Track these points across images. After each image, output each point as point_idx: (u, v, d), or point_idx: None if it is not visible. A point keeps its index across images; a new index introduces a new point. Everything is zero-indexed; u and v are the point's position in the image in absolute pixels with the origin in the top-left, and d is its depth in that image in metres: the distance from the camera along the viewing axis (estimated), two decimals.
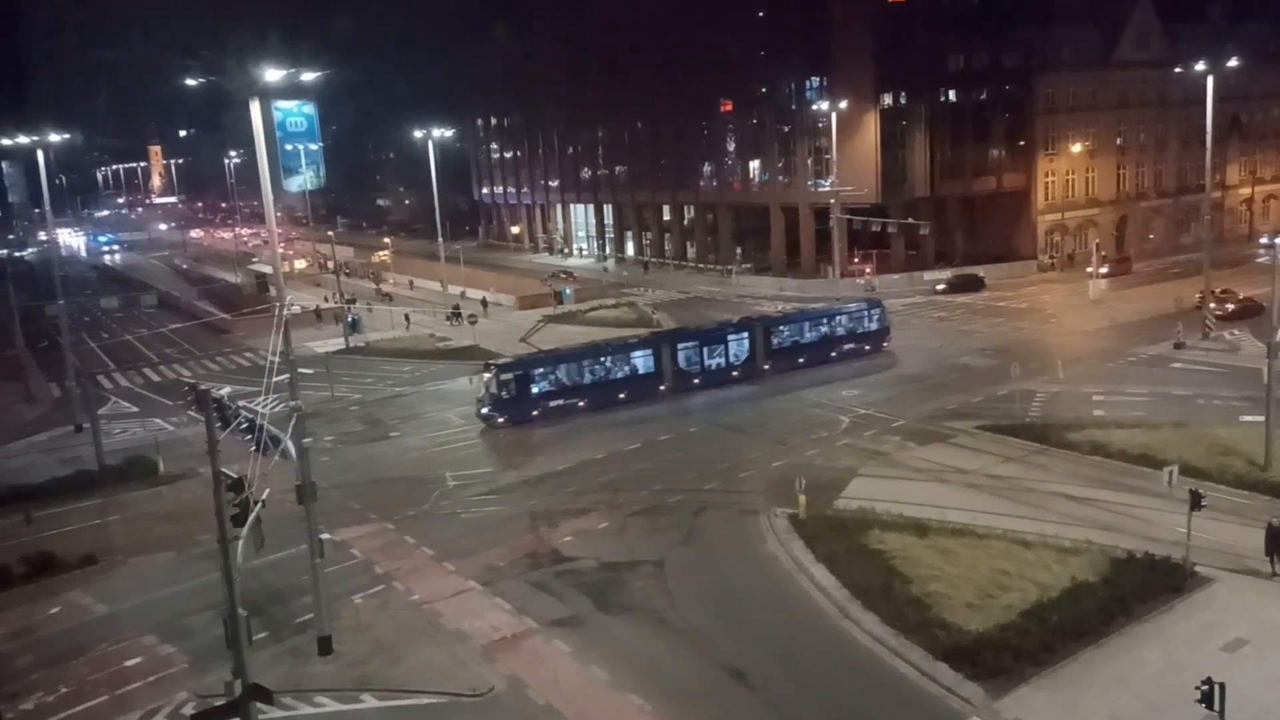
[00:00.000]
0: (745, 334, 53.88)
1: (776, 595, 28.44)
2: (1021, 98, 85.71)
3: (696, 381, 51.85)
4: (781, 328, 55.46)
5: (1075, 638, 24.18)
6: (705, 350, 52.57)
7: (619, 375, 50.34)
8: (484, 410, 47.84)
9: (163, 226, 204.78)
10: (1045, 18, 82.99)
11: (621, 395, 49.88)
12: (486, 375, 48.30)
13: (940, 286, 78.91)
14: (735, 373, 52.89)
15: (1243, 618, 25.05)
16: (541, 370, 49.18)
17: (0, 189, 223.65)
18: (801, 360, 54.56)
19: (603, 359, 50.49)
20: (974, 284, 78.72)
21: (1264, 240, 57.66)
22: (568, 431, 46.40)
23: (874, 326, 57.78)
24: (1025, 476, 36.34)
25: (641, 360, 50.97)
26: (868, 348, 57.16)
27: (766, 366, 53.69)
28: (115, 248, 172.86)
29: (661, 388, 50.95)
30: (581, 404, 48.98)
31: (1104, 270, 76.45)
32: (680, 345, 52.13)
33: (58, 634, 28.95)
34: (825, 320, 56.90)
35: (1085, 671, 23.16)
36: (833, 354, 55.80)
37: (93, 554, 33.77)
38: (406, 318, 75.58)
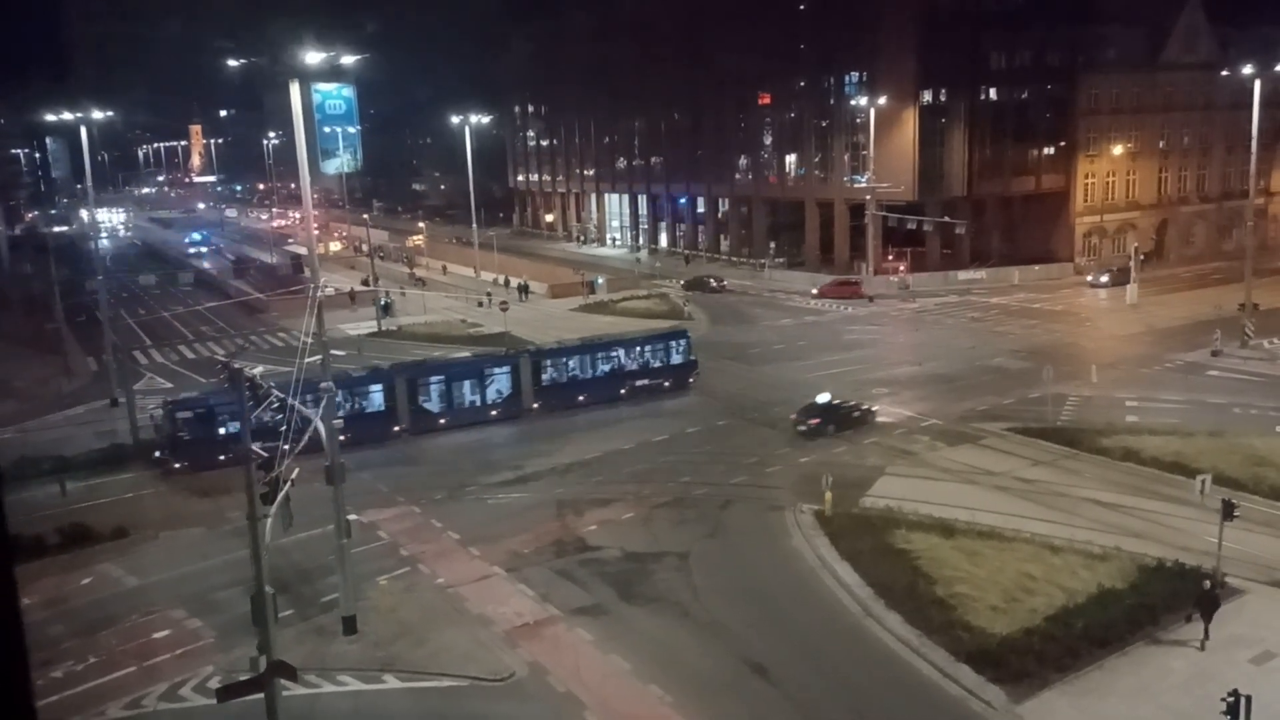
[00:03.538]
0: (507, 368, 47.65)
1: (800, 591, 28.40)
2: (1064, 98, 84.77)
3: (442, 422, 45.61)
4: (557, 360, 49.08)
5: (1101, 644, 23.97)
6: (455, 386, 46.39)
7: (341, 413, 42.93)
8: (156, 454, 41.68)
9: (201, 206, 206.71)
10: (1091, 17, 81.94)
11: (342, 438, 43.39)
12: (160, 411, 42.62)
13: (681, 283, 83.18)
14: (494, 412, 46.84)
15: (1273, 630, 24.75)
16: (237, 406, 43.81)
17: (44, 165, 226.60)
18: (582, 398, 48.46)
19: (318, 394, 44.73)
20: (709, 284, 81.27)
21: None
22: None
23: (678, 360, 50.84)
24: (1055, 481, 36.02)
25: (373, 396, 44.48)
26: (668, 384, 50.29)
27: (535, 405, 47.50)
28: (205, 248, 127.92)
29: (396, 429, 44.51)
30: (287, 446, 42.75)
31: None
32: (422, 380, 45.91)
33: (89, 604, 29.41)
34: (614, 352, 50.33)
35: (1109, 679, 22.95)
36: (623, 391, 49.30)
37: (124, 527, 34.28)
38: (489, 295, 75.89)
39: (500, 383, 47.30)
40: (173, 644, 26.66)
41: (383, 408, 44.54)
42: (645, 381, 50.05)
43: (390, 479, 39.35)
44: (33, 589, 29.51)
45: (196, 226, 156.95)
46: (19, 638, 2.94)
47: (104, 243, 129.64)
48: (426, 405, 45.75)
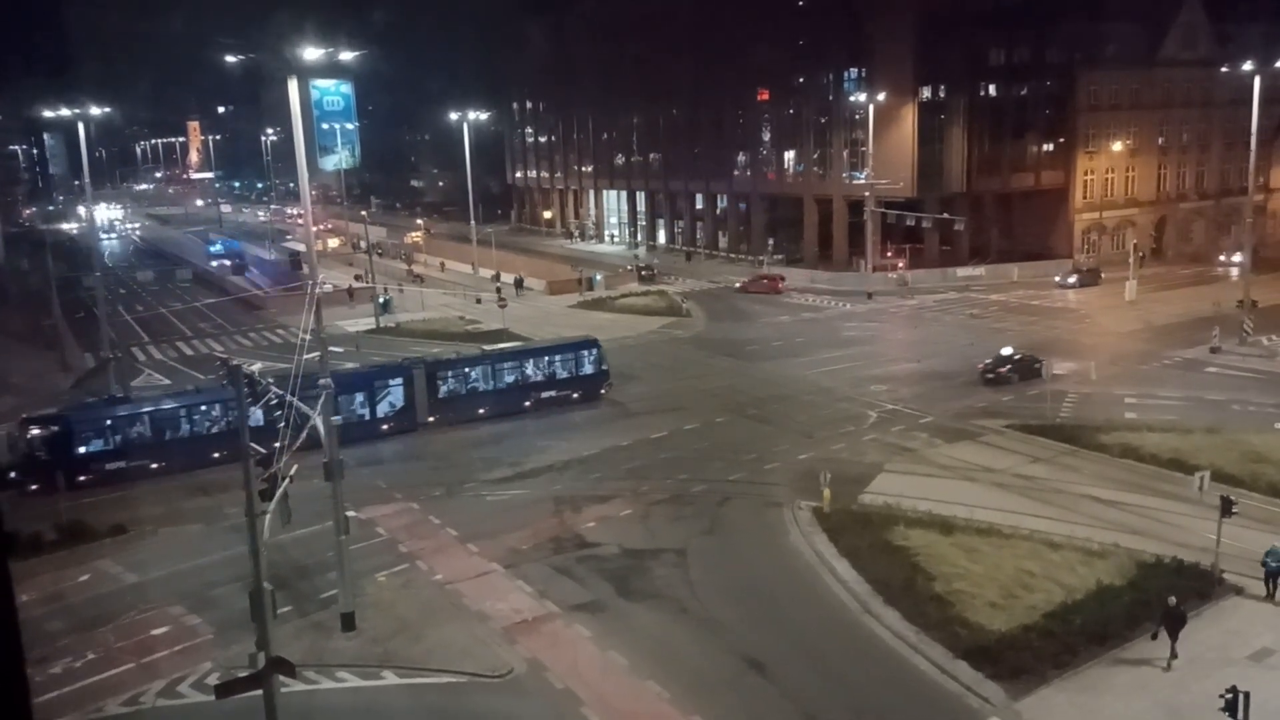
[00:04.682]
0: (399, 380, 45.26)
1: (798, 588, 28.40)
2: (1063, 94, 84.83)
3: None
4: (458, 371, 47.03)
5: (1099, 641, 23.99)
6: (343, 399, 41.61)
7: (215, 430, 40.60)
8: (12, 475, 38.45)
9: (199, 202, 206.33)
10: (1090, 14, 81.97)
11: (217, 454, 38.83)
12: (12, 430, 40.24)
13: (640, 268, 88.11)
14: (385, 426, 44.40)
15: (1270, 627, 24.77)
16: (98, 423, 40.16)
17: (41, 161, 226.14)
18: (482, 411, 46.27)
19: (194, 409, 41.11)
20: (651, 275, 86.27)
21: None
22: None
23: (588, 370, 48.87)
24: (1054, 477, 36.04)
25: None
26: (576, 395, 48.24)
27: (431, 419, 45.32)
28: (229, 261, 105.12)
29: (276, 444, 42.19)
30: (156, 465, 39.46)
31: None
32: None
33: (87, 601, 29.37)
34: (518, 362, 48.27)
35: (1107, 675, 22.98)
36: (527, 403, 47.38)
37: (123, 523, 34.26)
38: (498, 291, 75.48)
39: (394, 395, 45.02)
40: (171, 640, 26.63)
41: (264, 423, 37.88)
42: (552, 393, 48.02)
43: (389, 475, 39.35)
44: (30, 585, 29.51)
45: (194, 224, 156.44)
46: (14, 634, 2.93)
47: (112, 243, 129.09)
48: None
